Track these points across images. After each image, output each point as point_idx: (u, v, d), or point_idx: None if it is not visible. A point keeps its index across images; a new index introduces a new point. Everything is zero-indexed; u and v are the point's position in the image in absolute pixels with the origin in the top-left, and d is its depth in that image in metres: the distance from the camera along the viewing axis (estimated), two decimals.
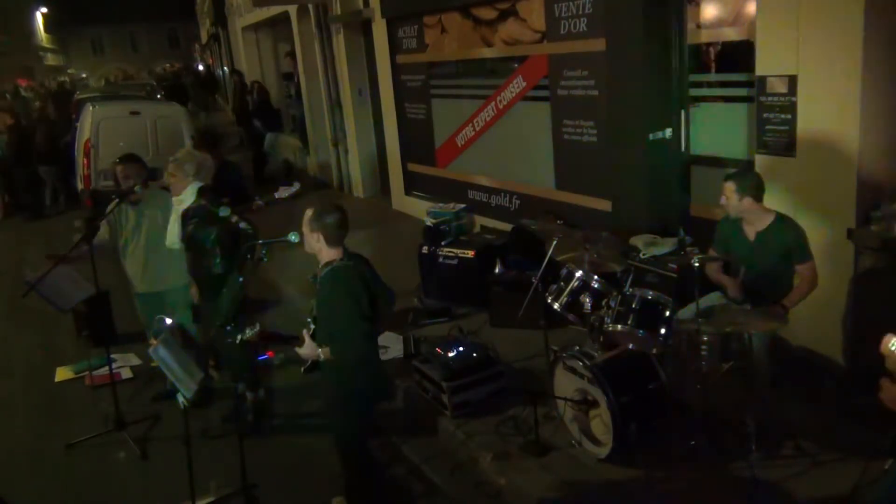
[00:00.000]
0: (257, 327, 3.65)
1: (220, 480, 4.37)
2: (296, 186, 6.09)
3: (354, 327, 3.50)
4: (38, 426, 5.52)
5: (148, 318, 5.29)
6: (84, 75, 40.48)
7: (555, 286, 4.65)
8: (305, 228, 3.60)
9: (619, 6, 5.92)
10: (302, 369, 3.84)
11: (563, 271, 4.66)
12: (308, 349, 3.59)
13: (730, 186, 4.29)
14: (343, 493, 4.01)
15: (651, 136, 5.89)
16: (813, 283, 4.31)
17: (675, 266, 5.19)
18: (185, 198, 4.90)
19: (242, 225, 4.76)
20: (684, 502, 3.88)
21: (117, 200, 5.14)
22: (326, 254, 3.62)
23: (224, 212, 4.72)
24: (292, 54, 14.47)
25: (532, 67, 7.41)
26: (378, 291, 3.74)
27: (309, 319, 3.71)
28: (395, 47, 9.77)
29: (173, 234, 5.02)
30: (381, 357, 5.63)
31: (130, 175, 5.13)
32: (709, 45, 5.80)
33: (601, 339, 4.40)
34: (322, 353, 3.54)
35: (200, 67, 34.30)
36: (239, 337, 3.65)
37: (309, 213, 3.59)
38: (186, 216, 4.88)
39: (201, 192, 4.88)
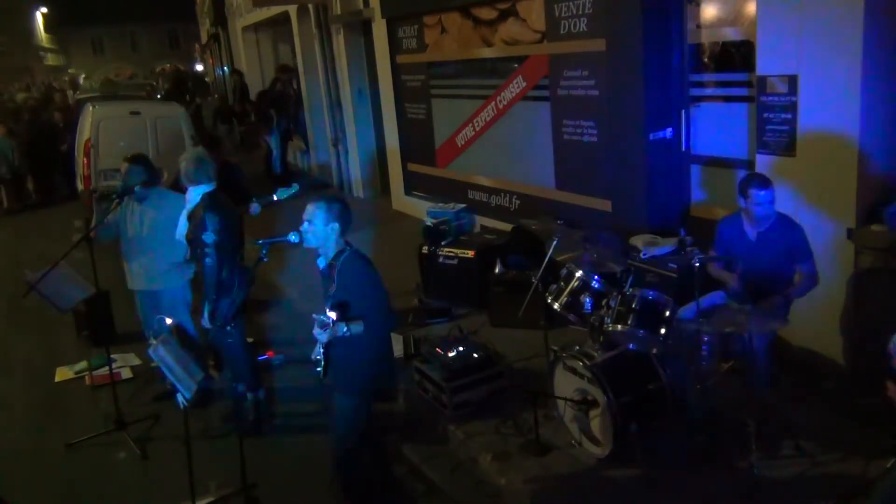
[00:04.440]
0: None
1: (220, 480, 4.37)
2: (294, 187, 6.07)
3: (386, 304, 3.73)
4: (38, 426, 5.52)
5: (146, 317, 5.30)
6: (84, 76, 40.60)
7: (555, 286, 4.65)
8: (317, 222, 3.63)
9: (619, 6, 5.92)
10: (318, 369, 3.82)
11: (563, 271, 4.66)
12: (326, 331, 3.57)
13: (770, 193, 4.26)
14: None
15: (651, 136, 5.90)
16: (813, 282, 4.32)
17: (675, 266, 5.19)
18: (191, 199, 4.90)
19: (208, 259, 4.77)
20: (684, 502, 3.88)
21: (117, 200, 5.15)
22: (337, 243, 3.71)
23: (209, 238, 4.71)
24: (285, 68, 14.42)
25: (532, 67, 7.41)
26: None
27: (327, 308, 3.67)
28: (395, 47, 9.77)
29: (180, 231, 5.05)
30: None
31: (131, 174, 5.14)
32: (709, 45, 5.80)
33: (601, 339, 4.40)
34: (351, 327, 3.57)
35: (200, 67, 34.48)
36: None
37: (320, 205, 3.65)
38: (190, 218, 4.89)
39: (206, 198, 4.87)
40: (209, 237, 4.69)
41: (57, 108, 15.91)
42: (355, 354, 3.71)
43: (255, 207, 6.05)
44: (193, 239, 4.85)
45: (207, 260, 4.71)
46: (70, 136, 12.67)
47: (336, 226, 3.66)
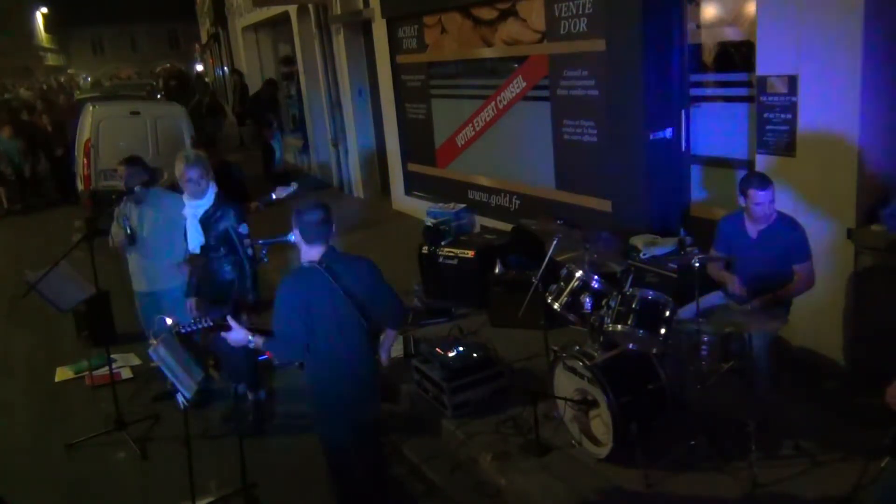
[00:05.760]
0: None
1: (220, 480, 4.38)
2: (294, 187, 6.10)
3: (291, 332, 3.42)
4: (38, 426, 5.52)
5: (147, 318, 5.30)
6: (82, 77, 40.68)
7: (555, 286, 4.65)
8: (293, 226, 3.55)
9: (619, 6, 5.92)
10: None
11: (563, 271, 4.65)
12: (236, 335, 3.47)
13: (769, 193, 4.24)
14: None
15: (651, 136, 5.90)
16: (809, 283, 4.31)
17: (675, 266, 5.19)
18: (206, 201, 4.88)
19: (249, 250, 4.82)
20: (684, 502, 3.88)
21: (117, 200, 5.15)
22: (305, 253, 3.51)
23: (245, 229, 4.78)
24: (286, 61, 14.46)
25: (532, 67, 7.41)
26: (374, 297, 3.57)
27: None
28: (395, 47, 9.77)
29: (195, 239, 4.95)
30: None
31: (128, 176, 5.14)
32: (709, 45, 5.80)
33: (601, 339, 4.40)
34: (255, 342, 3.47)
35: (200, 67, 34.64)
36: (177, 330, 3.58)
37: (296, 209, 3.55)
38: (203, 220, 4.88)
39: (220, 197, 4.88)
40: (245, 228, 4.79)
41: (42, 111, 15.66)
42: (306, 376, 3.63)
43: (259, 206, 6.09)
44: (216, 237, 4.84)
45: (250, 251, 4.77)
46: (66, 138, 12.66)
47: (297, 232, 3.46)
